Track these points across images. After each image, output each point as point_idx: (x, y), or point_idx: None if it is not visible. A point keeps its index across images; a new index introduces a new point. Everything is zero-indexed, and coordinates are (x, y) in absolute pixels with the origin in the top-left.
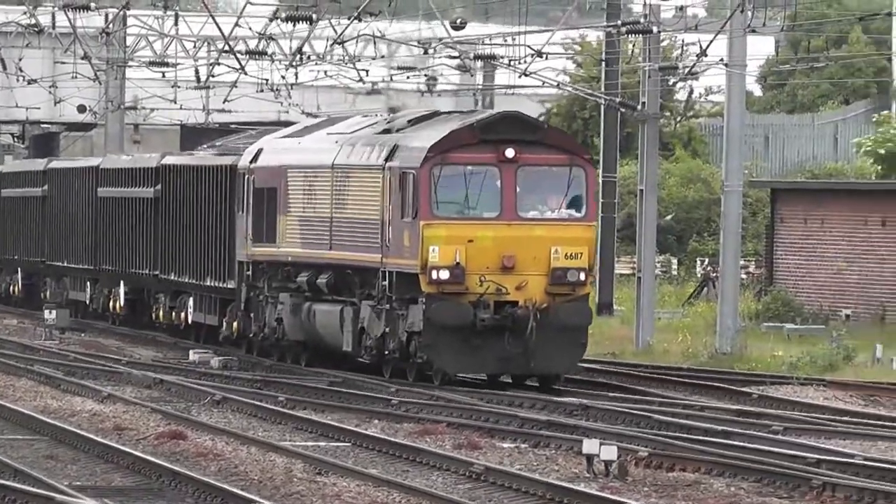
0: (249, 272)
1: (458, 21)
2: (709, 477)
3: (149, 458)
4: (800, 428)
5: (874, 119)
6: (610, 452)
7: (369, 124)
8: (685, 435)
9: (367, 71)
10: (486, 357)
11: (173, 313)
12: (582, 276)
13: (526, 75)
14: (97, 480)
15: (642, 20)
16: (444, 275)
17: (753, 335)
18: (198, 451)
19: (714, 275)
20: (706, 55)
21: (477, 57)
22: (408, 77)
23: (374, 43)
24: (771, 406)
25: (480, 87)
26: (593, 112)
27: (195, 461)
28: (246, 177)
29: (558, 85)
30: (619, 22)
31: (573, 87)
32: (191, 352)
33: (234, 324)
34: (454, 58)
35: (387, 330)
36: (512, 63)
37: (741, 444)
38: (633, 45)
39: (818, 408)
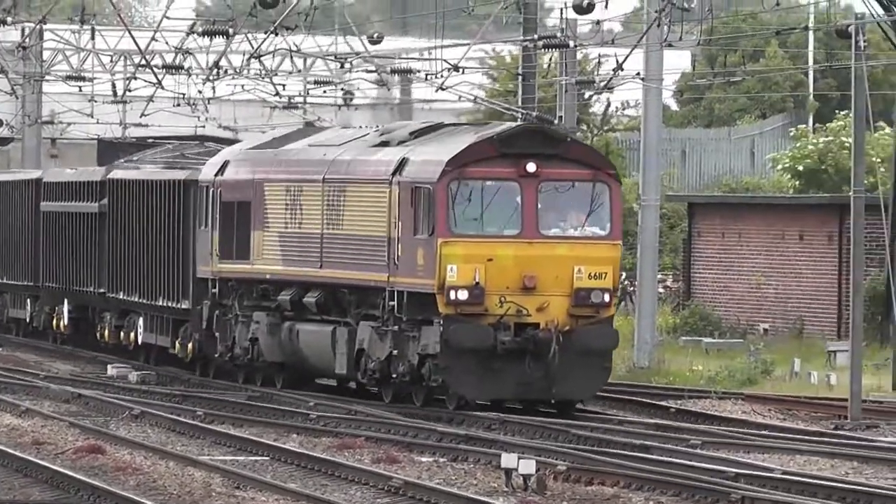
0: (216, 290)
1: (375, 35)
2: (628, 491)
3: (67, 472)
4: (718, 442)
5: (791, 133)
6: (528, 466)
7: (358, 136)
8: (604, 449)
9: (283, 85)
10: (506, 381)
11: (121, 333)
12: (606, 298)
13: (443, 89)
14: (16, 495)
15: (559, 34)
16: (463, 295)
17: (671, 349)
18: (116, 465)
19: (631, 289)
20: (622, 69)
21: (394, 71)
22: (324, 91)
23: (291, 57)
24: (689, 420)
25: (397, 101)
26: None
27: (114, 475)
28: (210, 190)
29: (475, 99)
30: (536, 36)
31: (490, 101)
32: (109, 366)
33: (190, 345)
34: (371, 72)
35: (394, 352)
36: (429, 77)
37: (660, 458)
38: (550, 60)
39: (737, 422)
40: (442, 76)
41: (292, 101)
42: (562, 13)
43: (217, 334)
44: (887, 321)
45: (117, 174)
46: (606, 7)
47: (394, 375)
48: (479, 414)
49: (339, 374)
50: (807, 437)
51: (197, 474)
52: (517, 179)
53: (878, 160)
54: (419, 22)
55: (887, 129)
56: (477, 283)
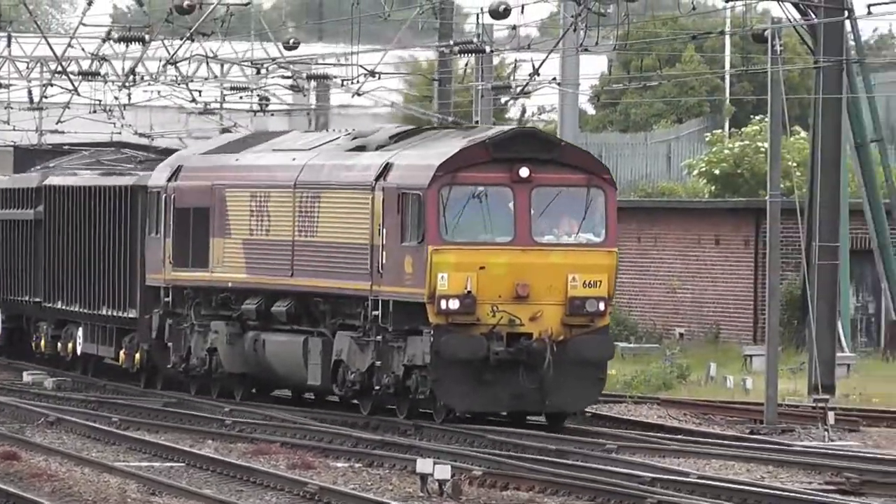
0: (169, 298)
1: (291, 41)
2: (543, 496)
3: None
4: (634, 446)
5: (707, 138)
6: (444, 472)
7: (327, 140)
8: (519, 454)
9: (199, 91)
10: (499, 393)
11: (58, 344)
12: (601, 306)
13: (359, 95)
14: None
15: (475, 40)
16: (454, 304)
17: None
18: (31, 472)
19: None
20: (539, 74)
21: (309, 77)
22: (241, 97)
23: (207, 63)
24: (605, 425)
25: (314, 107)
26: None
27: (29, 482)
28: (162, 196)
29: (392, 104)
30: (452, 41)
31: (406, 106)
32: (24, 373)
33: (137, 355)
34: (287, 78)
35: (377, 363)
36: (345, 83)
37: (575, 462)
38: (466, 65)
39: (652, 426)
40: (358, 82)
41: (208, 106)
42: (478, 18)
43: (170, 344)
44: (803, 325)
45: (54, 181)
46: (522, 12)
47: (377, 387)
48: (395, 420)
49: (312, 386)
50: (722, 442)
51: (112, 480)
52: (510, 185)
53: (794, 164)
54: (335, 28)
55: (803, 134)
56: (469, 292)
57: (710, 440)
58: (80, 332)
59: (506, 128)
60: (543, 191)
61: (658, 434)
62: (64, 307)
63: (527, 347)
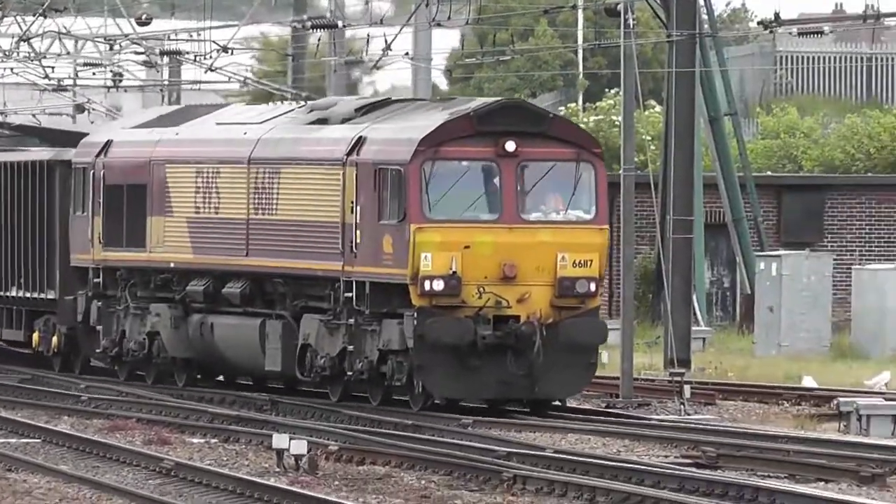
0: (99, 280)
1: (144, 17)
2: (399, 470)
3: None
4: (490, 421)
5: (561, 112)
6: (300, 447)
7: (280, 113)
8: (375, 429)
9: (52, 68)
10: (486, 380)
11: None
12: (592, 287)
13: (212, 70)
14: None
15: (328, 15)
16: (439, 285)
17: None
18: None
19: None
20: (391, 49)
21: (162, 53)
22: (94, 73)
23: (60, 39)
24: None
25: (167, 82)
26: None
27: None
28: (91, 173)
29: (245, 80)
30: (306, 17)
31: (259, 81)
32: None
33: (54, 339)
34: (140, 54)
35: (350, 348)
36: (197, 58)
37: (431, 437)
38: (319, 40)
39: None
40: (211, 57)
41: (62, 83)
42: None
43: (99, 328)
44: (658, 299)
45: None
46: None
47: (349, 373)
48: (251, 395)
49: (271, 371)
50: (578, 416)
51: None
52: (495, 159)
53: (649, 138)
54: (188, 4)
55: (657, 108)
56: (454, 273)
57: (566, 414)
58: None
59: (490, 100)
60: (531, 166)
61: (514, 409)
62: None
63: (515, 331)
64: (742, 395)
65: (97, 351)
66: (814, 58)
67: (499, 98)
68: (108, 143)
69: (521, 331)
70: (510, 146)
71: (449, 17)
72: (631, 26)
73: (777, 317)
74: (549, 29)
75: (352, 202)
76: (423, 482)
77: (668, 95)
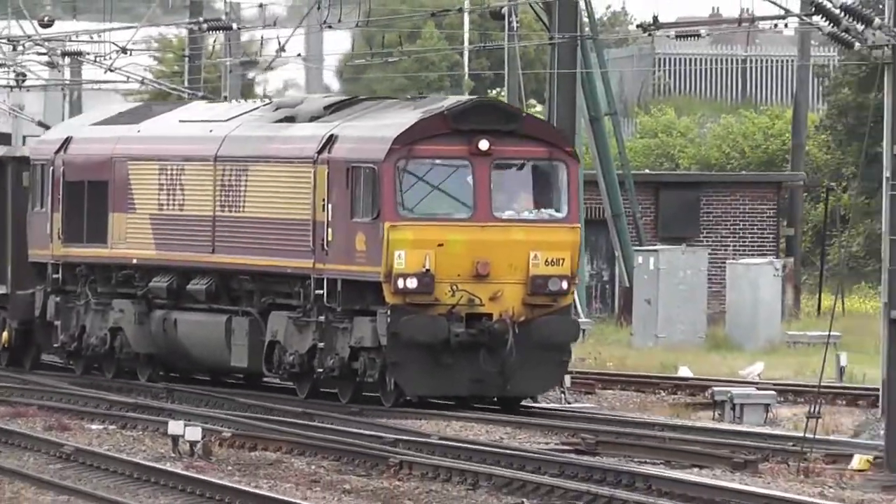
0: (58, 275)
1: (46, 19)
2: (290, 456)
3: None
4: (378, 410)
5: None
6: (194, 433)
7: (245, 111)
8: (267, 416)
9: None
10: (459, 377)
11: None
12: (564, 285)
13: (111, 70)
14: None
15: (224, 17)
16: (412, 283)
17: None
18: None
19: None
20: (285, 50)
21: (64, 53)
22: None
23: None
24: None
25: (68, 81)
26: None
27: None
28: (50, 169)
29: (143, 81)
30: (202, 19)
31: (157, 82)
32: None
33: (4, 334)
34: (42, 54)
35: (320, 345)
36: (98, 59)
37: (321, 424)
38: (215, 42)
39: None
40: (111, 58)
41: None
42: None
43: (57, 323)
44: None
45: None
46: None
47: (319, 370)
48: (147, 384)
49: (237, 368)
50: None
51: None
52: (469, 158)
53: None
54: (89, 6)
55: (539, 107)
56: (427, 271)
57: (450, 402)
58: None
59: (464, 98)
60: (504, 164)
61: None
62: None
63: (488, 329)
64: (620, 385)
65: (55, 346)
66: (691, 60)
67: (473, 97)
68: (67, 140)
69: (493, 329)
70: (483, 145)
71: (339, 20)
72: (514, 29)
73: (654, 309)
74: (435, 31)
75: (323, 200)
76: (312, 467)
77: (550, 96)
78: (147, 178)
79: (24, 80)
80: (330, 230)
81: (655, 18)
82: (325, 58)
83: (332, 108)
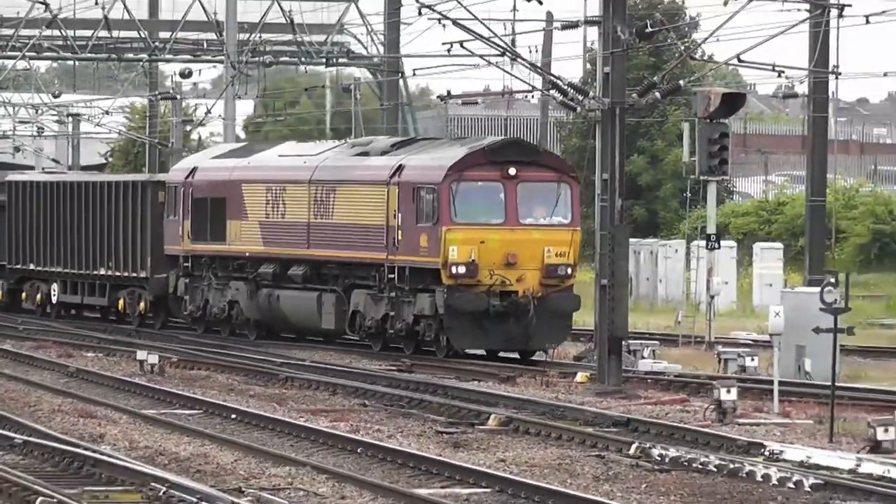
0: (188, 264)
1: (56, 92)
2: (215, 373)
3: None
4: (273, 343)
5: None
6: (154, 358)
7: (328, 149)
8: (200, 347)
9: None
10: (495, 336)
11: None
12: (569, 271)
13: (98, 125)
14: None
15: (171, 91)
16: (462, 269)
17: None
18: None
19: None
20: (210, 112)
21: (68, 115)
22: (25, 127)
23: (4, 107)
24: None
25: (70, 133)
26: (140, 149)
27: None
28: (181, 189)
29: (119, 132)
30: (157, 92)
31: (129, 133)
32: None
33: (141, 304)
34: (54, 115)
35: (391, 313)
36: (89, 118)
37: (234, 352)
38: (165, 107)
39: None
40: (98, 117)
41: (5, 133)
42: (172, 78)
43: (186, 297)
44: None
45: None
46: (200, 74)
47: (390, 331)
48: (122, 326)
49: (325, 329)
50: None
51: None
52: (501, 181)
53: None
54: (84, 83)
55: None
56: (472, 260)
57: (321, 339)
58: (54, 287)
59: (498, 139)
60: (526, 185)
61: (287, 335)
62: (68, 270)
63: (515, 302)
64: None
65: (184, 313)
66: (471, 118)
67: (505, 137)
68: (194, 169)
69: (519, 302)
70: (512, 171)
71: (245, 93)
72: (358, 98)
73: None
74: (308, 100)
75: (394, 211)
76: (230, 380)
77: None
78: (257, 196)
79: (42, 132)
80: (400, 232)
81: (449, 92)
82: (237, 117)
83: (397, 146)
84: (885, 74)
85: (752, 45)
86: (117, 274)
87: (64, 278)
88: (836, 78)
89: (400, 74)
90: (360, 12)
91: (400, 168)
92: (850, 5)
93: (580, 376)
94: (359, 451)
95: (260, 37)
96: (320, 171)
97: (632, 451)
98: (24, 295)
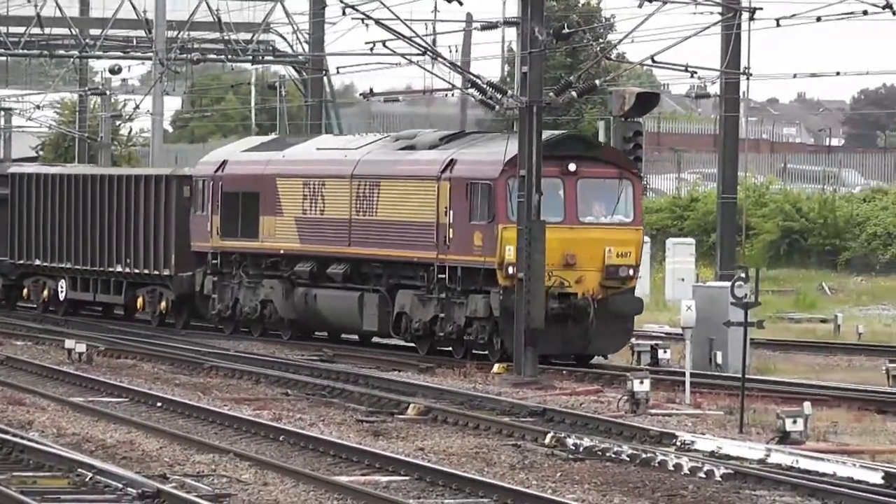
0: (216, 261)
1: None
2: (141, 362)
3: None
4: (200, 332)
5: None
6: (81, 347)
7: (369, 142)
8: (127, 336)
9: None
10: (552, 340)
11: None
12: (631, 272)
13: (30, 119)
14: None
15: (101, 86)
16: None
17: None
18: None
19: None
20: (139, 107)
21: (1, 109)
22: None
23: None
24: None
25: (2, 126)
26: (71, 143)
27: None
28: (210, 183)
29: (50, 126)
30: (87, 88)
31: (59, 127)
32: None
33: (163, 303)
34: None
35: (441, 315)
36: (21, 112)
37: (160, 342)
38: (95, 102)
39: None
40: (30, 112)
41: None
42: (101, 74)
43: (214, 296)
44: None
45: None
46: (129, 70)
47: (440, 334)
48: (52, 316)
49: (367, 331)
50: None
51: None
52: (560, 177)
53: None
54: (17, 78)
55: None
56: None
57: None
58: (63, 283)
59: (557, 132)
60: (586, 181)
61: (212, 326)
62: (79, 266)
63: (574, 304)
64: None
65: (212, 313)
66: (393, 115)
67: (564, 131)
68: (224, 163)
69: (578, 304)
70: (572, 167)
71: (174, 89)
72: (283, 95)
73: None
74: (234, 97)
75: (445, 207)
76: (156, 369)
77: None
78: (293, 190)
79: None
80: (451, 230)
81: (371, 89)
82: (165, 113)
83: (446, 139)
84: (795, 76)
85: (666, 46)
86: (136, 271)
87: (74, 275)
88: (747, 79)
89: (324, 72)
90: (285, 11)
91: (451, 162)
92: (761, 8)
93: (497, 367)
94: (281, 438)
95: (188, 35)
96: (363, 166)
97: (547, 441)
98: (25, 291)
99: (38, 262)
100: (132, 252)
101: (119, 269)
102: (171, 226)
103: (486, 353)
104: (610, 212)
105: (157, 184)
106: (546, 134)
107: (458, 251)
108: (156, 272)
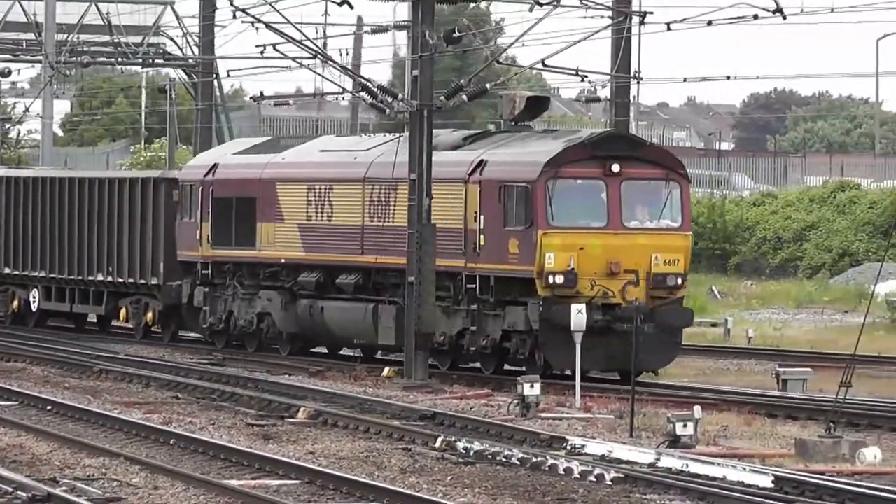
0: (207, 271)
1: None
2: (31, 365)
3: None
4: (91, 337)
5: (132, 149)
6: None
7: (382, 142)
8: (18, 341)
9: None
10: (596, 355)
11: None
12: (679, 281)
13: None
14: None
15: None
16: (560, 279)
17: None
18: None
19: None
20: (29, 111)
21: None
22: None
23: None
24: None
25: None
26: None
27: None
28: (199, 188)
29: None
30: None
31: None
32: None
33: (149, 315)
34: None
35: (472, 328)
36: None
37: (54, 346)
38: None
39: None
40: None
41: None
42: None
43: (205, 308)
44: None
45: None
46: (19, 73)
47: (472, 348)
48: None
49: (383, 345)
50: (139, 336)
51: None
52: (603, 178)
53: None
54: None
55: (187, 148)
56: (571, 269)
57: (122, 332)
58: (36, 293)
59: (598, 130)
60: (631, 183)
61: (100, 329)
62: (54, 275)
63: (619, 316)
64: None
65: (202, 326)
66: (284, 119)
67: (607, 129)
68: (214, 166)
69: (623, 316)
70: (615, 168)
71: (64, 92)
72: (173, 98)
73: None
74: (124, 100)
75: (475, 212)
76: (45, 372)
77: (195, 142)
78: (295, 195)
79: None
80: (482, 236)
81: (262, 93)
82: (55, 116)
83: (470, 139)
84: (685, 80)
85: (557, 50)
86: (119, 280)
87: (48, 284)
88: (638, 83)
89: (214, 76)
90: (176, 15)
91: (481, 164)
92: (651, 13)
93: (387, 371)
94: (171, 442)
95: (78, 38)
96: (377, 168)
97: (437, 445)
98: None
99: (6, 270)
100: (115, 260)
101: (100, 277)
102: (159, 232)
103: (525, 368)
104: (656, 216)
105: (145, 188)
106: (586, 132)
107: (490, 259)
108: (142, 281)
